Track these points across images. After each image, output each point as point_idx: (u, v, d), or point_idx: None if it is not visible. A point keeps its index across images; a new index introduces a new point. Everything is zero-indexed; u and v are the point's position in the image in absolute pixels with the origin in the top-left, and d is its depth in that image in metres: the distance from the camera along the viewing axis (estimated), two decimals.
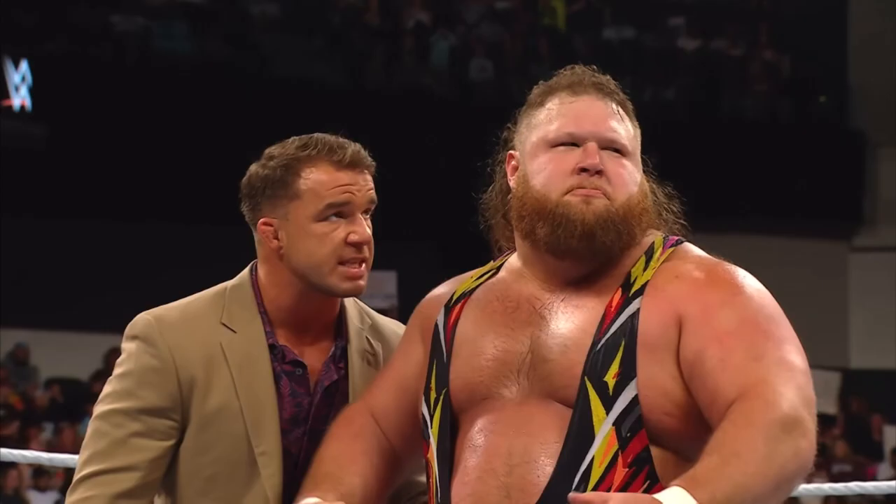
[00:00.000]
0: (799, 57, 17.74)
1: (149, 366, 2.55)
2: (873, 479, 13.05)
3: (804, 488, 5.64)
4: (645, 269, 2.39)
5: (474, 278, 2.52)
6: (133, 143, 14.26)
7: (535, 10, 17.22)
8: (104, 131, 14.23)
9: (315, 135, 2.61)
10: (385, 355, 2.65)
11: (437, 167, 13.80)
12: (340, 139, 2.61)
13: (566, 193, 2.38)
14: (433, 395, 2.44)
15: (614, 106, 2.43)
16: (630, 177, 2.41)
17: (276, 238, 2.57)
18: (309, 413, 2.58)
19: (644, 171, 2.48)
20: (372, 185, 2.60)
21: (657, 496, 2.11)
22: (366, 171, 2.60)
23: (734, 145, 16.35)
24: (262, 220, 2.59)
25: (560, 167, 2.40)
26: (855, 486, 4.86)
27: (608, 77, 2.48)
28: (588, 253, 2.38)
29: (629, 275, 2.39)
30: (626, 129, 2.43)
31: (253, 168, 2.62)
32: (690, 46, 17.43)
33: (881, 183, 17.60)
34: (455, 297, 2.50)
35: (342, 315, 2.64)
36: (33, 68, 14.03)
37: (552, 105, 2.44)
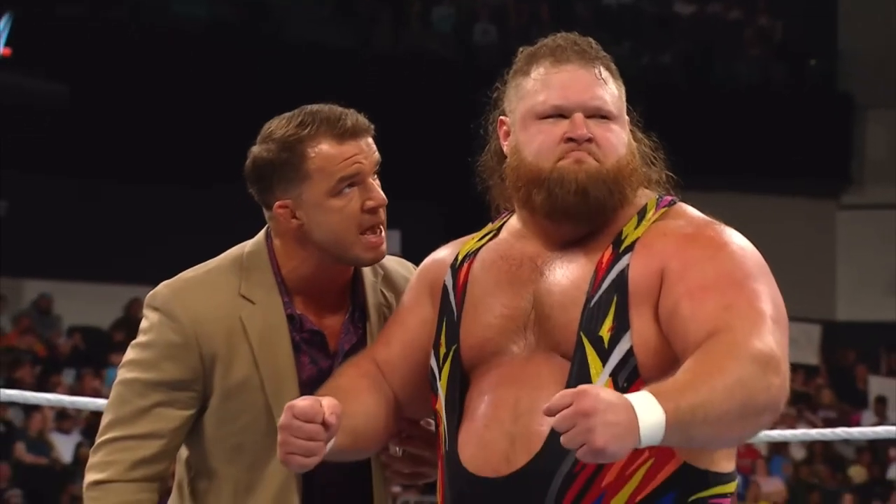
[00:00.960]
0: (791, 22, 17.70)
1: (171, 341, 2.50)
2: (857, 425, 13.09)
3: (791, 433, 5.68)
4: (637, 227, 2.39)
5: (476, 239, 2.51)
6: (151, 104, 14.25)
7: None
8: (123, 93, 14.23)
9: (309, 108, 2.54)
10: (397, 303, 2.61)
11: (441, 129, 13.79)
12: (335, 108, 2.54)
13: (558, 160, 2.37)
14: (443, 350, 2.44)
15: (598, 70, 2.39)
16: (618, 140, 2.39)
17: (295, 217, 2.52)
18: (330, 376, 2.54)
19: (637, 129, 2.48)
20: (374, 147, 2.54)
21: (627, 395, 2.12)
22: (367, 136, 2.54)
23: (728, 108, 16.33)
24: (276, 203, 2.52)
25: (549, 138, 2.37)
26: (840, 432, 4.91)
27: (590, 40, 2.43)
28: (584, 209, 2.37)
29: (621, 233, 2.39)
30: (610, 94, 2.40)
31: (256, 151, 2.54)
32: (686, 11, 17.39)
33: (868, 144, 17.59)
34: (460, 258, 2.50)
35: (357, 274, 2.60)
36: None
37: (537, 75, 2.40)
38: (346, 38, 15.36)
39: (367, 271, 2.62)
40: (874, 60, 17.57)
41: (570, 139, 2.36)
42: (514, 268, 2.42)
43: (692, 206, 2.45)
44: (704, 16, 17.41)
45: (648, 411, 2.09)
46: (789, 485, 13.76)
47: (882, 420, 14.37)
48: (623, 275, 2.34)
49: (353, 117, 2.53)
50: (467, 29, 16.18)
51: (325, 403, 2.30)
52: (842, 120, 17.48)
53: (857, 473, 14.36)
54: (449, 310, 2.46)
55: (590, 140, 2.36)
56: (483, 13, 16.33)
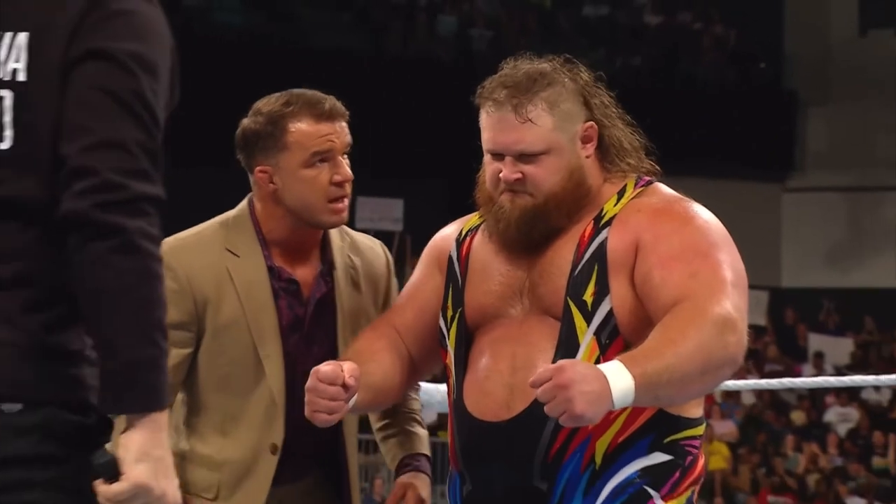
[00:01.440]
0: (743, 31, 17.65)
1: (169, 288, 2.51)
2: (798, 376, 13.11)
3: (744, 383, 5.68)
4: (616, 205, 2.38)
5: (479, 217, 2.50)
6: (190, 97, 14.22)
7: None
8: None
9: (295, 90, 2.56)
10: (362, 267, 2.63)
11: (443, 119, 13.77)
12: (318, 93, 2.56)
13: (501, 193, 2.37)
14: (450, 312, 2.44)
15: (528, 110, 2.34)
16: (548, 171, 2.35)
17: (272, 182, 2.54)
18: (304, 321, 2.56)
19: (621, 122, 2.45)
20: (347, 130, 2.56)
21: (600, 365, 2.13)
22: (342, 120, 2.55)
23: (689, 104, 16.31)
24: (257, 167, 2.55)
25: (493, 174, 2.38)
26: (785, 382, 4.98)
27: (527, 72, 2.37)
28: (523, 239, 2.37)
29: (602, 209, 2.38)
30: (539, 132, 2.34)
31: (245, 122, 2.57)
32: (654, 22, 17.33)
33: (809, 135, 17.57)
34: (464, 234, 2.49)
35: (326, 237, 2.61)
36: None
37: (484, 114, 2.39)
38: (363, 43, 15.32)
39: (334, 235, 2.63)
40: (815, 63, 17.54)
41: (504, 181, 2.36)
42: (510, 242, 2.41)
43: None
44: (669, 25, 17.36)
45: (619, 378, 2.10)
46: (740, 427, 13.78)
47: (819, 372, 14.38)
48: (602, 246, 2.33)
49: (331, 102, 2.55)
50: (466, 35, 16.14)
51: (346, 368, 2.31)
52: (787, 115, 17.46)
53: (798, 417, 14.38)
54: (454, 278, 2.46)
55: (518, 180, 2.35)
56: (480, 21, 16.28)
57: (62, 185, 1.64)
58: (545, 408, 2.10)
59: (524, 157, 2.35)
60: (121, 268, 1.63)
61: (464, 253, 2.47)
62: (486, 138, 2.38)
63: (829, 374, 13.83)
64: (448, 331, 2.45)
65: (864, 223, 17.10)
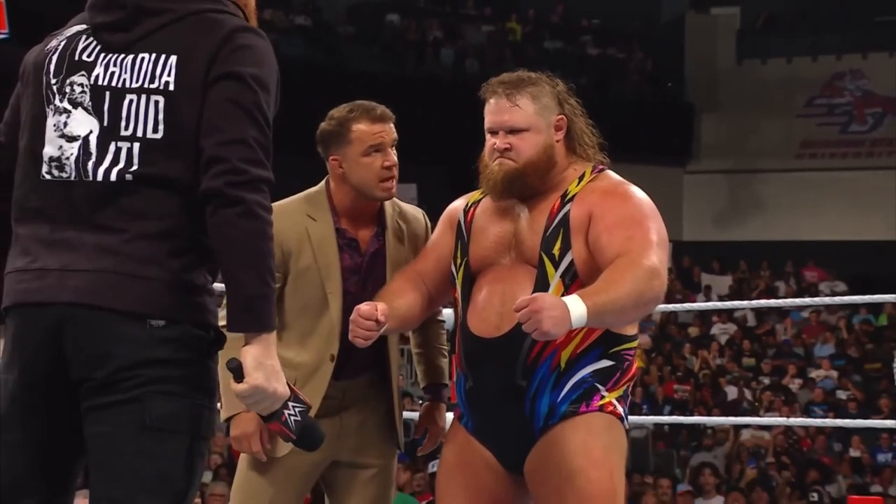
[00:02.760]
0: (657, 59, 17.57)
1: None
2: (694, 301, 13.15)
3: (657, 308, 5.70)
4: (577, 186, 2.38)
5: (479, 193, 2.50)
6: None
7: (503, 30, 16.98)
8: None
9: (357, 101, 2.59)
10: (406, 230, 2.61)
11: (445, 122, 13.71)
12: (372, 103, 2.58)
13: (494, 160, 2.37)
14: (458, 261, 2.45)
15: (517, 97, 2.34)
16: (528, 145, 2.35)
17: (341, 167, 2.54)
18: (361, 268, 2.55)
19: (583, 123, 2.45)
20: (394, 129, 2.56)
21: (563, 297, 2.14)
22: (390, 122, 2.56)
23: (621, 113, 16.26)
24: (331, 157, 2.55)
25: (490, 146, 2.39)
26: (686, 306, 5.10)
27: (521, 76, 2.39)
28: (506, 194, 2.36)
29: (566, 190, 2.38)
30: (523, 114, 2.34)
31: (322, 125, 2.59)
32: (594, 53, 17.22)
33: (703, 133, 17.55)
34: (469, 204, 2.50)
35: (381, 207, 2.60)
36: None
37: (487, 103, 2.39)
38: (388, 68, 15.22)
39: (387, 206, 2.61)
40: (706, 83, 17.51)
41: (496, 149, 2.36)
42: (501, 212, 2.41)
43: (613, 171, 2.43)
44: (604, 56, 17.27)
45: (576, 307, 2.11)
46: (653, 338, 13.81)
47: (708, 299, 14.43)
48: (566, 216, 2.33)
49: (382, 109, 2.56)
50: (461, 62, 16.04)
51: (379, 308, 2.32)
52: (686, 120, 17.43)
53: (693, 331, 14.41)
54: (462, 236, 2.46)
55: (507, 149, 2.34)
56: (471, 52, 16.18)
57: (202, 169, 1.70)
58: (523, 326, 2.10)
59: (513, 132, 2.35)
60: (243, 227, 1.68)
61: (469, 218, 2.46)
62: (487, 120, 2.38)
63: (714, 300, 13.85)
64: (457, 274, 2.45)
65: (739, 196, 17.10)
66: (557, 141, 2.39)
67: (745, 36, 17.51)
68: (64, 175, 1.74)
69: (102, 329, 1.68)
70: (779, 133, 16.97)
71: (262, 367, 1.69)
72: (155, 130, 1.72)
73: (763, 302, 4.87)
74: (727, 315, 14.27)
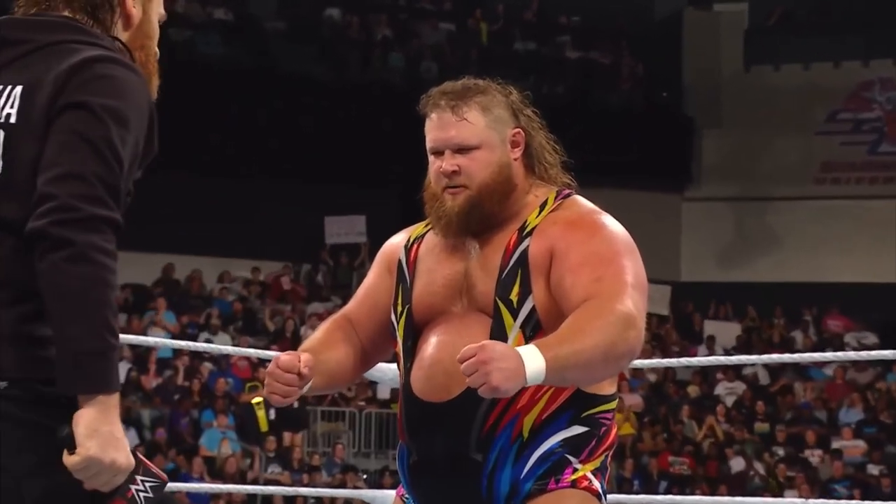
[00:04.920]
0: (649, 65, 17.77)
1: None
2: (694, 356, 13.20)
3: (648, 362, 5.71)
4: (537, 217, 2.36)
5: (423, 226, 2.49)
6: (177, 116, 14.09)
7: (466, 28, 17.12)
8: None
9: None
10: None
11: (398, 140, 13.74)
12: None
13: (443, 191, 2.36)
14: (399, 308, 2.43)
15: (464, 111, 2.34)
16: (481, 164, 2.34)
17: None
18: None
19: (545, 140, 2.44)
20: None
21: (517, 347, 2.12)
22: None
23: (603, 126, 16.38)
24: None
25: (435, 170, 2.37)
26: (682, 361, 5.02)
27: (468, 84, 2.38)
28: (464, 230, 2.36)
29: (525, 221, 2.36)
30: (473, 129, 2.34)
31: None
32: (574, 56, 17.40)
33: (704, 154, 17.72)
34: (411, 240, 2.48)
35: None
36: None
37: (427, 120, 2.38)
38: (326, 71, 15.26)
39: None
40: (708, 93, 17.71)
41: (443, 173, 2.35)
42: (449, 250, 2.40)
43: (584, 197, 2.41)
44: (586, 60, 17.45)
45: (533, 359, 2.09)
46: (645, 399, 13.86)
47: (711, 352, 14.51)
48: (524, 254, 2.32)
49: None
50: (415, 67, 16.13)
51: (303, 358, 2.29)
52: (685, 136, 17.60)
53: (693, 390, 14.49)
54: (403, 279, 2.44)
55: (455, 172, 2.34)
56: (427, 55, 16.28)
57: (31, 208, 1.75)
58: (467, 380, 2.08)
59: (461, 151, 2.34)
60: (70, 274, 1.71)
61: (412, 258, 2.45)
62: (429, 139, 2.37)
63: (719, 354, 13.95)
64: (398, 324, 2.43)
65: (748, 228, 17.28)
66: (515, 159, 2.37)
67: (754, 37, 17.80)
68: None
69: None
70: (795, 153, 17.22)
71: (96, 435, 1.71)
72: None
73: (777, 356, 4.84)
74: (734, 372, 14.39)
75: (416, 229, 2.51)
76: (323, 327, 2.49)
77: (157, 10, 1.96)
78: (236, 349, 4.81)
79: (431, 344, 2.37)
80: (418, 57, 16.27)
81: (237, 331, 13.27)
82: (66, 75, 1.78)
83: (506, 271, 2.33)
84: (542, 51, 17.19)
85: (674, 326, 15.55)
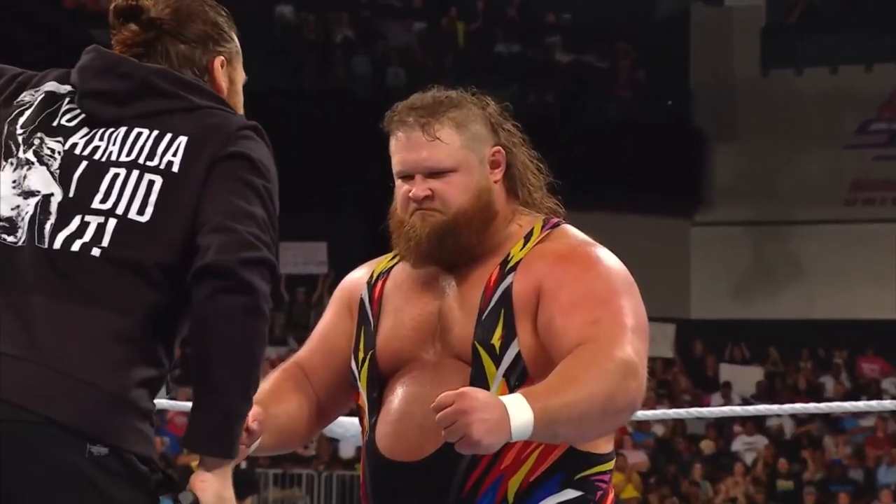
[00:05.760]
0: (651, 69, 17.87)
1: None
2: (707, 405, 13.22)
3: (653, 413, 5.69)
4: (521, 249, 2.36)
5: (388, 259, 2.48)
6: None
7: (440, 28, 17.19)
8: None
9: None
10: None
11: (361, 153, 13.76)
12: None
13: (411, 215, 2.37)
14: (361, 355, 2.42)
15: (436, 129, 2.35)
16: (457, 188, 2.35)
17: None
18: None
19: (527, 158, 2.45)
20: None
21: (501, 397, 2.12)
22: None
23: (599, 140, 16.45)
24: None
25: (403, 195, 2.38)
26: (693, 411, 4.99)
27: (440, 97, 2.39)
28: (436, 257, 2.36)
29: (508, 254, 2.36)
30: (447, 150, 2.35)
31: None
32: (565, 59, 17.50)
33: (716, 172, 17.79)
34: (375, 276, 2.47)
35: None
36: None
37: (393, 139, 2.39)
38: (278, 78, 15.28)
39: None
40: (720, 100, 17.79)
41: (413, 199, 2.36)
42: (420, 286, 2.40)
43: (575, 225, 2.42)
44: (579, 63, 17.53)
45: (519, 410, 2.09)
46: (651, 456, 13.86)
47: (727, 401, 14.52)
48: (508, 291, 2.32)
49: None
50: (381, 73, 16.18)
51: (251, 412, 2.30)
52: (693, 151, 17.67)
53: (707, 446, 14.50)
54: (366, 320, 2.43)
55: (428, 197, 2.34)
56: (395, 59, 16.33)
57: (201, 244, 1.89)
58: (443, 432, 2.08)
59: (433, 175, 2.35)
60: (245, 326, 1.85)
61: (376, 296, 2.44)
62: (396, 161, 2.38)
63: (736, 403, 13.97)
64: (359, 373, 2.42)
65: (769, 256, 17.34)
66: (495, 182, 2.38)
67: (772, 36, 17.95)
68: (11, 240, 1.92)
69: (30, 446, 1.80)
70: (821, 170, 17.33)
71: (222, 502, 1.87)
72: (141, 212, 1.93)
73: (804, 406, 4.82)
74: (755, 424, 14.40)
75: (380, 263, 2.50)
76: (271, 377, 2.48)
77: (241, 77, 2.14)
78: (172, 403, 4.81)
79: (399, 396, 2.37)
80: (384, 61, 16.32)
81: (174, 380, 13.22)
82: (229, 135, 1.97)
83: (486, 312, 2.33)
84: (527, 54, 17.28)
85: (683, 371, 15.58)
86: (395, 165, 2.38)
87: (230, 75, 2.11)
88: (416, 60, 16.47)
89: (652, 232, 16.53)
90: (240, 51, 2.13)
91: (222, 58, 2.09)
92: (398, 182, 2.39)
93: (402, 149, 2.37)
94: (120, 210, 1.92)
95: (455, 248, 2.35)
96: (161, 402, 4.42)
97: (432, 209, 2.35)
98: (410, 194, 2.35)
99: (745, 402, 14.37)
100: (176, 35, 2.06)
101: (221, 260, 1.86)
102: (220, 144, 1.96)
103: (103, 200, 1.93)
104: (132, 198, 1.93)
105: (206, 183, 1.94)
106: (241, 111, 2.12)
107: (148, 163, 1.95)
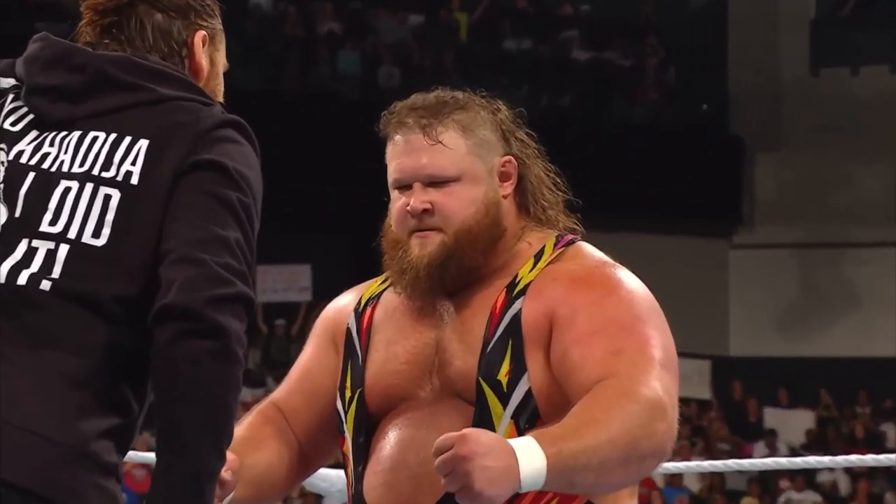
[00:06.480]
0: (682, 68, 17.89)
1: None
2: (749, 456, 13.18)
3: (685, 465, 5.67)
4: (531, 270, 2.36)
5: (379, 283, 2.49)
6: None
7: (440, 21, 17.23)
8: None
9: None
10: None
11: (349, 164, 13.77)
12: None
13: (410, 235, 2.36)
14: (348, 394, 2.42)
15: (438, 131, 2.35)
16: (461, 201, 2.35)
17: None
18: None
19: (540, 169, 2.45)
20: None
21: (510, 440, 2.11)
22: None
23: (623, 149, 16.46)
24: None
25: (400, 209, 2.37)
26: (732, 464, 4.92)
27: (437, 96, 2.40)
28: (436, 288, 2.36)
29: (516, 276, 2.36)
30: (451, 156, 2.35)
31: None
32: (583, 57, 17.53)
33: (757, 186, 17.80)
34: (363, 303, 2.47)
35: None
36: None
37: (390, 144, 2.39)
38: (254, 79, 15.32)
39: None
40: (763, 104, 17.81)
41: (411, 212, 2.35)
42: (416, 313, 2.40)
43: (591, 244, 2.42)
44: (600, 61, 17.56)
45: (530, 456, 2.08)
46: None
47: (773, 452, 14.49)
48: (516, 319, 2.32)
49: None
50: (372, 72, 16.21)
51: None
52: (732, 162, 17.67)
53: (749, 503, 14.47)
54: (354, 354, 2.43)
55: (427, 210, 2.34)
56: (388, 57, 16.37)
57: (164, 276, 1.85)
58: (442, 481, 2.07)
59: (434, 184, 2.35)
60: (215, 373, 1.83)
61: (365, 325, 2.44)
62: (393, 168, 2.38)
63: (782, 454, 13.95)
64: (346, 415, 2.42)
65: (820, 284, 17.33)
66: (505, 196, 2.41)
67: (823, 30, 17.98)
68: None
69: None
70: (879, 185, 17.34)
71: None
72: (96, 235, 1.88)
73: (861, 458, 4.78)
74: (804, 478, 14.37)
75: (369, 287, 2.51)
76: (245, 421, 2.48)
77: (223, 61, 2.10)
78: (130, 453, 4.80)
79: (391, 441, 2.37)
80: (376, 59, 16.37)
81: None
82: (198, 135, 1.93)
83: (492, 343, 2.33)
84: (539, 50, 17.33)
85: (721, 416, 15.55)
86: (392, 173, 2.39)
87: (211, 55, 2.08)
88: (412, 58, 16.51)
89: (684, 255, 16.54)
90: (223, 32, 2.10)
91: (204, 33, 2.05)
92: (394, 194, 2.40)
93: (400, 154, 2.37)
94: (72, 233, 1.88)
95: (457, 271, 2.35)
96: None
97: (432, 228, 2.35)
98: (408, 207, 2.35)
99: (793, 452, 14.35)
100: (153, 2, 2.02)
101: (185, 299, 1.82)
102: (188, 149, 1.92)
103: (53, 222, 1.89)
104: (86, 217, 1.89)
105: (171, 197, 1.90)
106: (220, 98, 2.09)
107: (104, 174, 1.90)
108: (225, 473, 2.28)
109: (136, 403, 1.91)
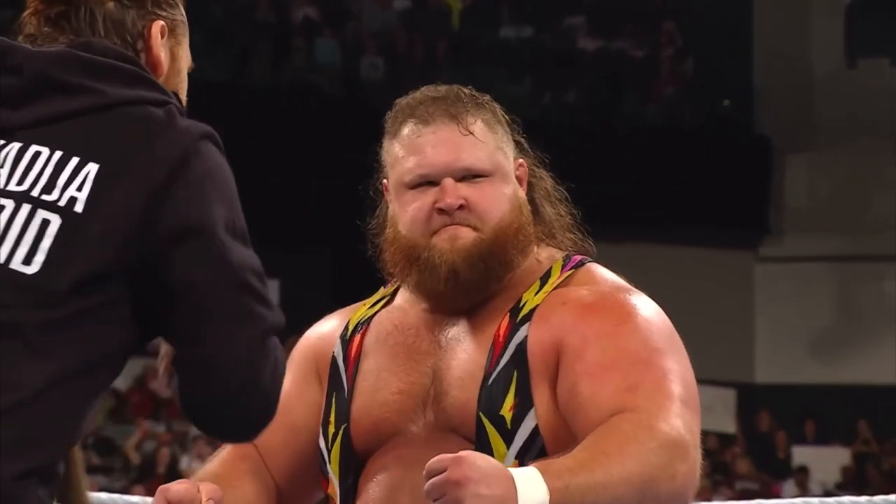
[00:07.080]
0: (702, 59, 17.92)
1: None
2: (778, 496, 13.19)
3: None
4: (537, 293, 2.38)
5: (368, 306, 2.50)
6: None
7: (429, 5, 17.25)
8: None
9: None
10: None
11: (327, 166, 13.77)
12: None
13: (432, 235, 2.36)
14: (332, 430, 2.43)
15: (469, 122, 2.38)
16: (496, 198, 2.37)
17: None
18: None
19: (545, 178, 2.46)
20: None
21: (512, 469, 2.12)
22: None
23: (636, 150, 16.47)
24: None
25: (421, 210, 2.37)
26: None
27: (462, 89, 2.42)
28: (457, 293, 2.37)
29: (520, 299, 2.37)
30: (484, 149, 2.38)
31: None
32: (591, 47, 17.55)
33: (787, 191, 17.82)
34: (351, 328, 2.48)
35: None
36: None
37: (403, 138, 2.39)
38: (219, 71, 15.33)
39: None
40: (793, 100, 17.84)
41: (441, 210, 2.35)
42: (411, 339, 2.41)
43: (602, 262, 2.44)
44: (610, 52, 17.58)
45: (531, 488, 2.09)
46: None
47: (804, 491, 14.51)
48: (522, 347, 2.33)
49: None
50: (353, 64, 16.23)
51: (203, 490, 2.30)
52: (759, 165, 17.69)
53: None
54: (339, 385, 2.44)
55: (462, 207, 2.35)
56: (371, 46, 16.39)
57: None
58: None
59: (467, 179, 2.36)
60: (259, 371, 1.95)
61: (352, 353, 2.45)
62: (414, 164, 2.38)
63: (814, 494, 13.96)
64: (329, 453, 2.43)
65: (859, 302, 17.35)
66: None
67: (860, 16, 18.04)
68: None
69: None
70: None
71: None
72: (27, 261, 1.88)
73: None
74: None
75: (357, 311, 2.51)
76: (220, 457, 2.49)
77: (185, 57, 2.09)
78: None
79: (381, 482, 2.37)
80: (357, 48, 16.39)
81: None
82: (165, 175, 1.90)
83: (495, 373, 2.33)
84: (541, 39, 17.35)
85: (746, 451, 15.56)
86: (413, 170, 2.38)
87: (172, 49, 2.06)
88: (398, 47, 16.53)
89: (703, 269, 16.55)
90: (186, 24, 2.08)
91: (163, 23, 2.03)
92: (407, 195, 2.39)
93: (425, 146, 2.37)
94: (1, 257, 1.88)
95: (483, 277, 2.36)
96: None
97: (465, 224, 2.36)
98: (441, 204, 2.35)
99: (828, 493, 14.36)
100: None
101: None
102: (154, 191, 1.90)
103: None
104: (18, 242, 1.89)
105: (127, 243, 1.90)
106: (183, 96, 2.08)
107: (44, 196, 1.90)
108: (207, 502, 2.30)
109: (65, 440, 1.91)
